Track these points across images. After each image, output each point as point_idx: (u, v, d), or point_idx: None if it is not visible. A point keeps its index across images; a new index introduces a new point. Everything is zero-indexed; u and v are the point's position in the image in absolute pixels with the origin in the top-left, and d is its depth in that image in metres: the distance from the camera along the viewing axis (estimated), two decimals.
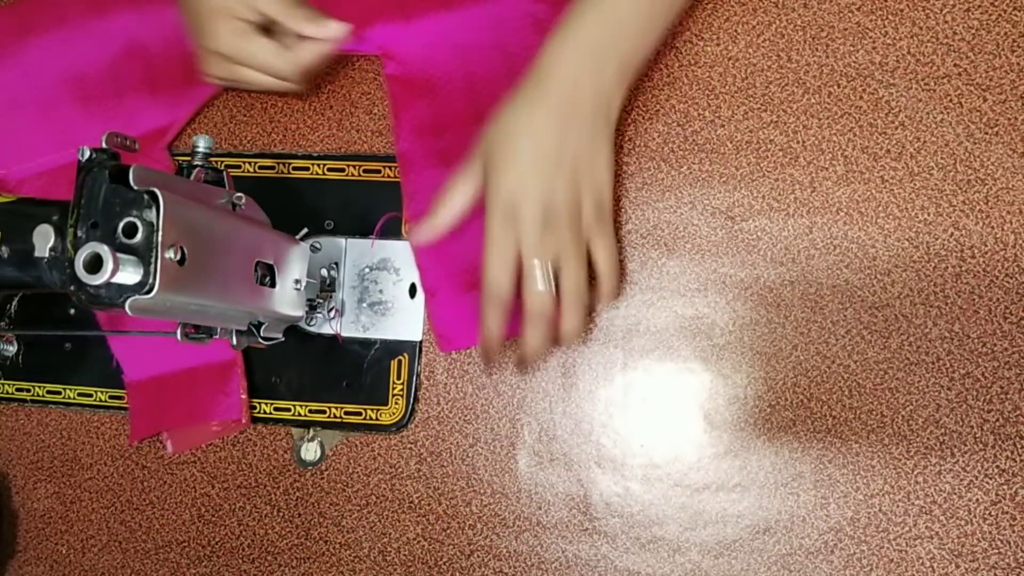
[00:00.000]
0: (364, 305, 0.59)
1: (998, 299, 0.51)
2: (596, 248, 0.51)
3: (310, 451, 0.59)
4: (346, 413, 0.59)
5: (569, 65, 0.48)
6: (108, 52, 0.63)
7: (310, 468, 0.59)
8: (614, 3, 0.48)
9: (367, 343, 0.59)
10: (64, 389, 0.63)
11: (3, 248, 0.43)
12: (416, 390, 0.58)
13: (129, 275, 0.37)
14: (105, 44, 0.63)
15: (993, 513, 0.50)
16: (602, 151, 0.50)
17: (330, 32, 0.54)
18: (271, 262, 0.49)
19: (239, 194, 0.47)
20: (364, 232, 0.59)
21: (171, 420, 0.60)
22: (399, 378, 0.58)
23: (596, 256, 0.51)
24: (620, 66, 0.49)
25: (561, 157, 0.48)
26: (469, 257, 0.55)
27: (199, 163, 0.47)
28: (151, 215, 0.39)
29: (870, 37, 0.54)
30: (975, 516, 0.51)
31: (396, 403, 0.58)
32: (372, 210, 0.59)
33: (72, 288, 0.39)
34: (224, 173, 0.48)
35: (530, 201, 0.47)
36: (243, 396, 0.59)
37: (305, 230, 0.56)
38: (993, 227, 0.52)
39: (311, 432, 0.59)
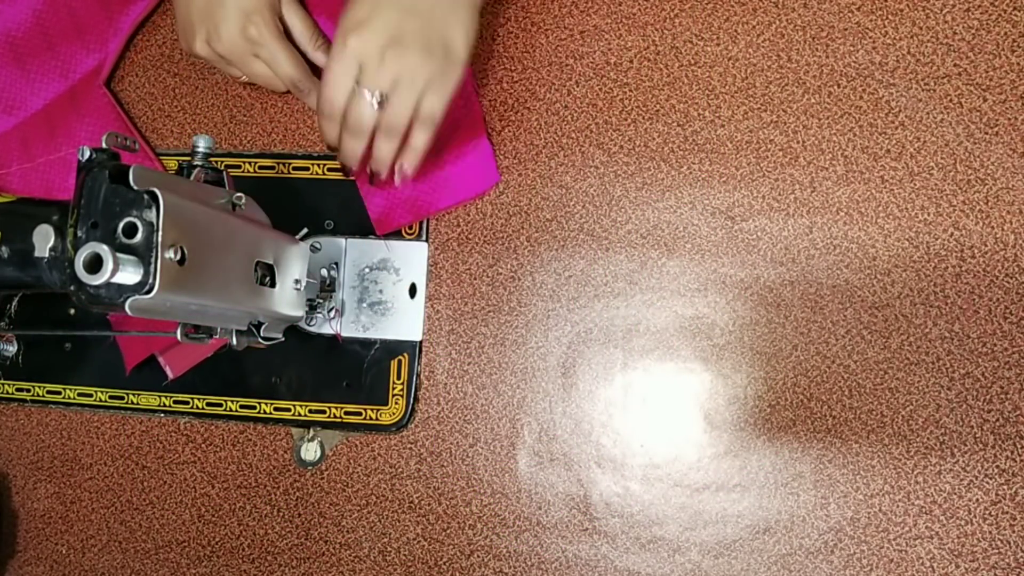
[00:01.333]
0: (364, 305, 0.59)
1: (998, 299, 0.51)
2: (427, 97, 0.50)
3: (310, 451, 0.59)
4: (346, 413, 0.59)
5: None
6: (31, 8, 0.63)
7: (310, 468, 0.59)
8: None
9: (367, 343, 0.59)
10: (64, 389, 0.63)
11: (3, 248, 0.43)
12: (416, 390, 0.58)
13: (129, 275, 0.37)
14: (26, 1, 0.63)
15: (993, 513, 0.50)
16: (463, 5, 0.50)
17: None
18: (271, 262, 0.49)
19: (239, 194, 0.47)
20: (364, 232, 0.59)
21: (162, 341, 0.60)
22: (399, 378, 0.58)
23: (423, 103, 0.50)
24: None
25: (416, 3, 0.49)
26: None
27: (199, 163, 0.47)
28: (151, 215, 0.38)
29: (870, 37, 0.54)
30: (975, 516, 0.51)
31: (396, 403, 0.58)
32: None
33: (72, 288, 0.39)
34: (224, 173, 0.48)
35: (381, 28, 0.49)
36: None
37: (305, 230, 0.56)
38: (993, 227, 0.52)
39: (311, 432, 0.59)
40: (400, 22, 0.49)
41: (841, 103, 0.54)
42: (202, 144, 0.47)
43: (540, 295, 0.57)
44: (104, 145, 0.41)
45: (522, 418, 0.56)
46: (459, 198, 0.58)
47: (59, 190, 0.63)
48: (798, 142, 0.54)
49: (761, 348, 0.54)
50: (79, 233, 0.39)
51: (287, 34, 0.57)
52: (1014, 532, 0.50)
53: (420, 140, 0.51)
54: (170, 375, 0.60)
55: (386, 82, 0.49)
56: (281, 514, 0.59)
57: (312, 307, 0.57)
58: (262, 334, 0.50)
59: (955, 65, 0.53)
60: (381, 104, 0.49)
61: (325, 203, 0.60)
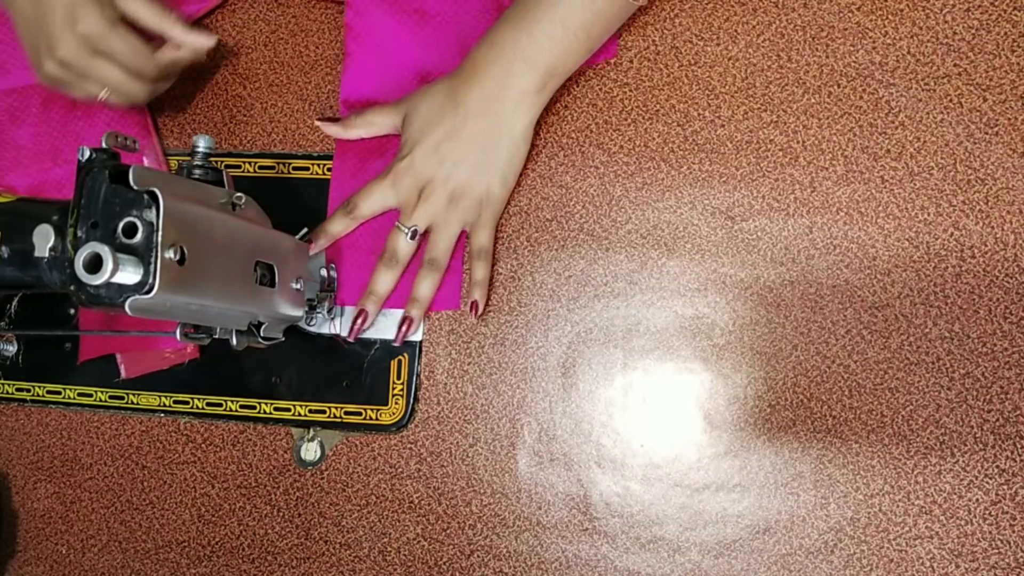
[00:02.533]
0: None
1: (998, 299, 0.51)
2: (474, 233, 0.56)
3: (310, 451, 0.59)
4: (346, 413, 0.59)
5: (493, 67, 0.52)
6: None
7: (310, 468, 0.59)
8: (547, 17, 0.51)
9: (367, 343, 0.59)
10: (64, 389, 0.63)
11: (3, 248, 0.43)
12: (416, 390, 0.58)
13: (129, 275, 0.37)
14: None
15: (993, 513, 0.50)
16: (499, 151, 0.54)
17: (199, 42, 0.57)
18: (271, 262, 0.49)
19: (239, 194, 0.47)
20: None
21: (120, 342, 0.61)
22: (399, 378, 0.58)
23: (472, 241, 0.56)
24: (542, 77, 0.52)
25: (456, 147, 0.54)
26: (374, 225, 0.58)
27: (199, 163, 0.47)
28: (151, 215, 0.38)
29: (870, 37, 0.54)
30: (975, 516, 0.51)
31: (396, 403, 0.58)
32: None
33: (72, 288, 0.39)
34: (224, 173, 0.48)
35: (417, 172, 0.54)
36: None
37: (305, 230, 0.56)
38: (993, 227, 0.52)
39: (311, 432, 0.59)
40: (435, 169, 0.54)
41: (841, 103, 0.54)
42: (202, 144, 0.47)
43: (540, 295, 0.57)
44: (104, 145, 0.41)
45: (522, 418, 0.56)
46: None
47: (65, 160, 0.63)
48: (798, 142, 0.54)
49: (761, 348, 0.54)
50: (79, 233, 0.39)
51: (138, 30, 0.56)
52: (1014, 532, 0.50)
53: (479, 272, 0.56)
54: (123, 374, 0.61)
55: (422, 222, 0.55)
56: (281, 514, 0.59)
57: (312, 307, 0.57)
58: (262, 334, 0.50)
59: (955, 65, 0.53)
60: (415, 238, 0.55)
61: (325, 203, 0.60)
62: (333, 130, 0.58)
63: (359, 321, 0.56)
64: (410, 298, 0.56)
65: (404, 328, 0.56)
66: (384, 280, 0.56)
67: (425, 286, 0.56)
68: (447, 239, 0.55)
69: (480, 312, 0.56)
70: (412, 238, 0.55)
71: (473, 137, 0.53)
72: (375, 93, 0.59)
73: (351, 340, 0.57)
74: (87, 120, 0.63)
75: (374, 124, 0.58)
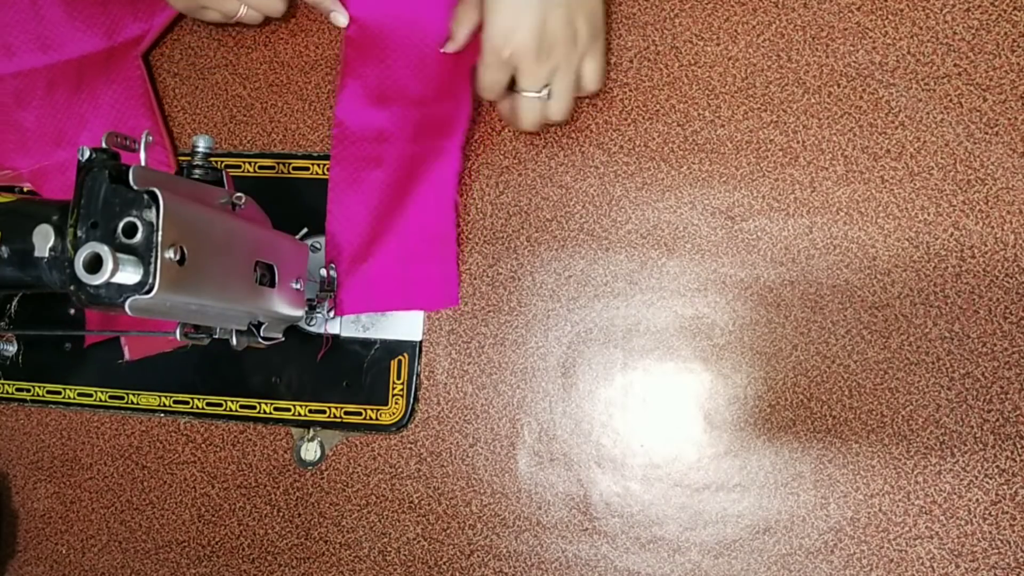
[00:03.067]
0: None
1: (998, 299, 0.51)
2: (585, 66, 0.54)
3: (310, 451, 0.59)
4: (346, 413, 0.59)
5: None
6: None
7: (310, 468, 0.59)
8: None
9: (367, 343, 0.59)
10: (64, 389, 0.63)
11: (3, 248, 0.43)
12: (416, 390, 0.58)
13: (129, 275, 0.37)
14: None
15: (993, 513, 0.50)
16: None
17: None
18: (271, 262, 0.49)
19: (239, 194, 0.47)
20: None
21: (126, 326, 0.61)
22: (399, 378, 0.58)
23: (584, 71, 0.54)
24: None
25: None
26: (369, 229, 0.58)
27: (199, 163, 0.47)
28: (151, 215, 0.38)
29: (870, 37, 0.54)
30: (975, 516, 0.51)
31: (396, 403, 0.58)
32: None
33: (72, 288, 0.39)
34: (224, 173, 0.48)
35: (524, 35, 0.51)
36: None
37: (305, 230, 0.56)
38: (993, 227, 0.52)
39: (311, 432, 0.59)
40: (544, 19, 0.51)
41: (841, 103, 0.54)
42: (202, 144, 0.47)
43: (540, 295, 0.57)
44: (104, 145, 0.41)
45: (522, 418, 0.56)
46: (413, 306, 0.58)
47: (69, 143, 0.63)
48: (798, 142, 0.54)
49: (761, 348, 0.54)
50: (79, 233, 0.39)
51: None
52: (1014, 532, 0.50)
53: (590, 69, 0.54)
54: (127, 356, 0.61)
55: (545, 77, 0.52)
56: (281, 514, 0.59)
57: (312, 307, 0.57)
58: (262, 334, 0.50)
59: (955, 65, 0.53)
60: (546, 94, 0.53)
61: (325, 203, 0.60)
62: (450, 48, 0.57)
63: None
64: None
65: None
66: (532, 118, 0.54)
67: (559, 113, 0.54)
68: (570, 85, 0.53)
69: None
70: (548, 97, 0.53)
71: None
72: (371, 111, 0.59)
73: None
74: (91, 103, 0.63)
75: (468, 16, 0.55)
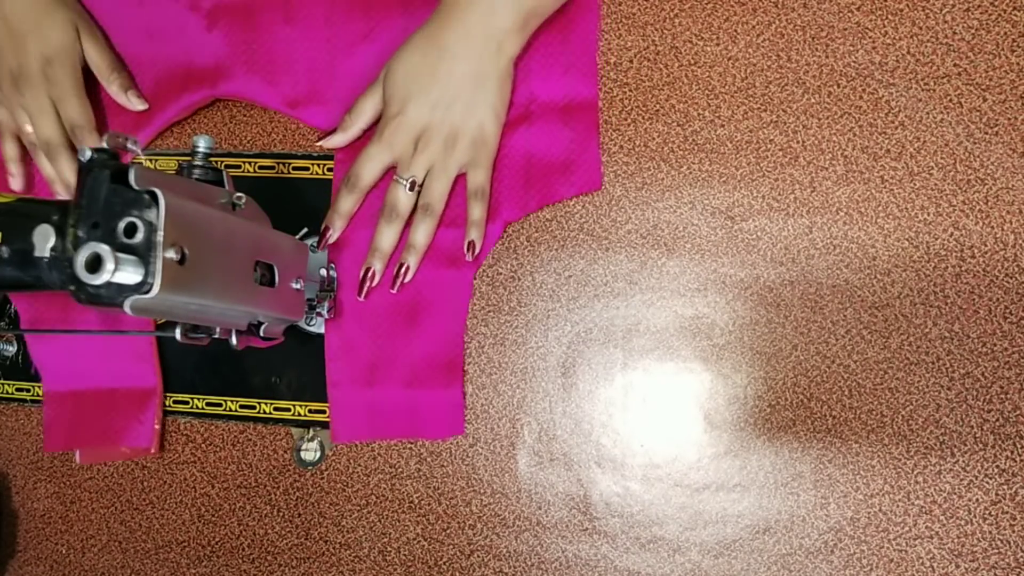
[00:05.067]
0: None
1: (998, 299, 0.51)
2: (471, 173, 0.56)
3: (310, 451, 0.59)
4: None
5: (476, 7, 0.52)
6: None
7: (310, 468, 0.59)
8: None
9: None
10: None
11: (3, 248, 0.43)
12: None
13: (129, 275, 0.37)
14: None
15: (993, 513, 0.50)
16: (487, 88, 0.54)
17: (133, 105, 0.61)
18: (271, 262, 0.49)
19: (239, 194, 0.47)
20: None
21: (85, 438, 0.61)
22: None
23: (470, 181, 0.56)
24: (524, 16, 0.53)
25: (445, 91, 0.53)
26: (373, 355, 0.57)
27: (199, 163, 0.47)
28: (151, 215, 0.38)
29: (870, 37, 0.54)
30: (975, 516, 0.51)
31: None
32: None
33: (72, 288, 0.39)
34: (224, 173, 0.48)
35: (410, 124, 0.54)
36: (156, 427, 0.60)
37: (305, 230, 0.56)
38: (993, 227, 0.52)
39: (311, 432, 0.59)
40: (428, 116, 0.54)
41: (841, 103, 0.54)
42: (202, 144, 0.47)
43: (540, 295, 0.57)
44: (104, 145, 0.41)
45: (522, 418, 0.56)
46: (419, 435, 0.57)
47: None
48: (798, 142, 0.54)
49: (761, 348, 0.54)
50: (79, 233, 0.39)
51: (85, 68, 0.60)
52: (1014, 532, 0.50)
53: (476, 212, 0.56)
54: (78, 459, 0.62)
55: (420, 171, 0.55)
56: (281, 514, 0.59)
57: (312, 307, 0.57)
58: (262, 334, 0.50)
59: (955, 65, 0.53)
60: (415, 188, 0.55)
61: (325, 203, 0.60)
62: (336, 140, 0.58)
63: (368, 279, 0.56)
64: (406, 244, 0.56)
65: (402, 274, 0.56)
66: (387, 235, 0.56)
67: (421, 232, 0.56)
68: (443, 183, 0.55)
69: (476, 252, 0.56)
70: (411, 189, 0.55)
71: (462, 78, 0.53)
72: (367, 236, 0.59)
73: (361, 299, 0.57)
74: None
75: (365, 110, 0.57)
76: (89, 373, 0.61)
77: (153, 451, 0.60)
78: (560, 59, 0.57)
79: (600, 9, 0.57)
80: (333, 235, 0.57)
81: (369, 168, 0.56)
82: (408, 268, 0.56)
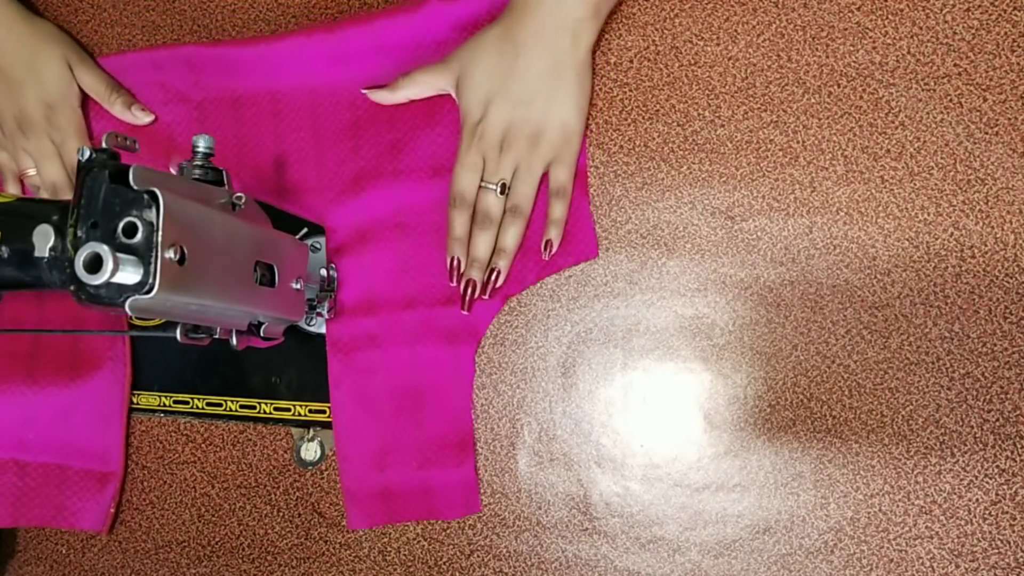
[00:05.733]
0: None
1: (998, 299, 0.51)
2: (554, 171, 0.55)
3: (310, 451, 0.59)
4: None
5: (533, 5, 0.51)
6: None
7: (310, 468, 0.59)
8: None
9: None
10: None
11: (3, 248, 0.43)
12: None
13: (129, 275, 0.37)
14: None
15: (993, 513, 0.50)
16: (567, 81, 0.53)
17: (140, 120, 0.61)
18: (271, 262, 0.49)
19: (239, 194, 0.47)
20: None
21: (31, 515, 0.60)
22: None
23: (552, 179, 0.55)
24: (587, 2, 0.51)
25: (523, 88, 0.52)
26: (382, 439, 0.57)
27: (199, 163, 0.47)
28: (151, 215, 0.38)
29: (870, 37, 0.54)
30: (975, 516, 0.51)
31: None
32: None
33: (72, 288, 0.39)
34: (224, 173, 0.48)
35: (493, 126, 0.53)
36: (112, 510, 0.60)
37: (305, 230, 0.56)
38: (993, 227, 0.52)
39: (311, 432, 0.59)
40: (511, 115, 0.53)
41: (841, 103, 0.54)
42: (202, 144, 0.47)
43: (540, 295, 0.57)
44: (104, 145, 0.41)
45: (522, 418, 0.56)
46: (435, 516, 0.56)
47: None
48: (798, 142, 0.54)
49: (761, 348, 0.54)
50: (79, 233, 0.39)
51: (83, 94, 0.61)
52: (1014, 532, 0.50)
53: (557, 211, 0.55)
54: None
55: (507, 172, 0.54)
56: (281, 514, 0.59)
57: (312, 307, 0.57)
58: (262, 334, 0.50)
59: (955, 65, 0.53)
60: (504, 192, 0.54)
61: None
62: (380, 96, 0.57)
63: (469, 291, 0.55)
64: (496, 248, 0.55)
65: (493, 279, 0.55)
66: (483, 243, 0.55)
67: (511, 234, 0.55)
68: (530, 184, 0.54)
69: (552, 252, 0.55)
70: (502, 193, 0.54)
71: (539, 74, 0.52)
72: (360, 326, 0.58)
73: (466, 312, 0.56)
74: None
75: (421, 83, 0.56)
76: (42, 441, 0.60)
77: (103, 531, 0.60)
78: None
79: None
80: (462, 263, 0.56)
81: (467, 180, 0.55)
82: (499, 273, 0.55)
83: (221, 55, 0.59)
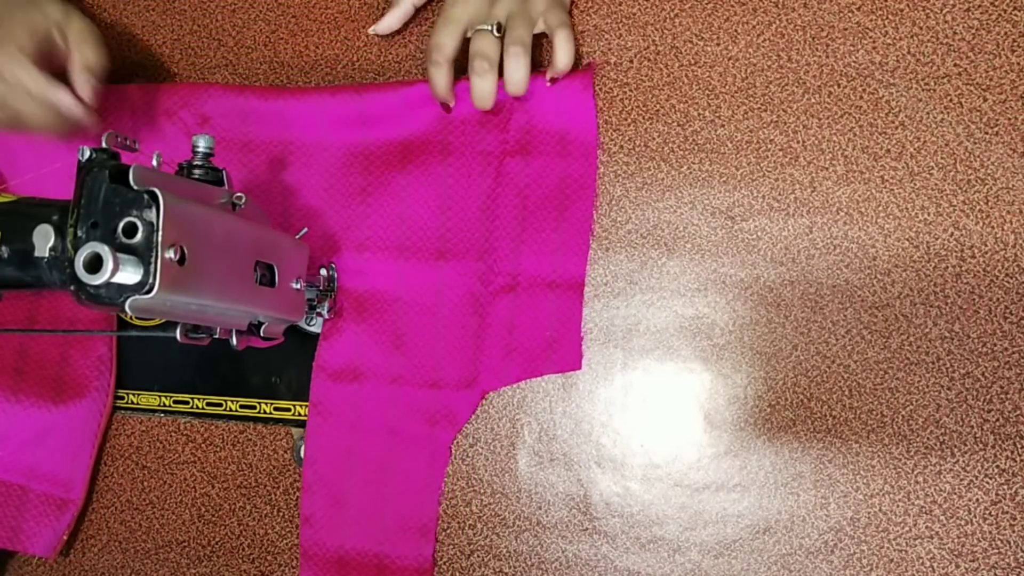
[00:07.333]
0: None
1: (998, 299, 0.51)
2: (547, 17, 0.53)
3: None
4: None
5: None
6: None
7: None
8: None
9: None
10: None
11: (3, 248, 0.43)
12: None
13: (129, 275, 0.37)
14: None
15: (993, 513, 0.50)
16: None
17: (85, 93, 0.53)
18: (271, 262, 0.49)
19: (239, 194, 0.47)
20: None
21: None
22: None
23: (547, 23, 0.53)
24: None
25: None
26: (348, 505, 0.56)
27: (199, 163, 0.47)
28: (151, 215, 0.38)
29: (870, 37, 0.54)
30: (975, 516, 0.51)
31: None
32: None
33: (72, 288, 0.39)
34: (224, 173, 0.48)
35: None
36: (65, 537, 0.60)
37: (305, 230, 0.56)
38: (993, 227, 0.52)
39: None
40: None
41: (841, 103, 0.54)
42: (202, 144, 0.47)
43: None
44: (104, 145, 0.41)
45: (522, 418, 0.56)
46: None
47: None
48: (798, 142, 0.54)
49: (761, 348, 0.54)
50: (79, 233, 0.39)
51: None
52: (1014, 532, 0.50)
53: (561, 42, 0.52)
54: None
55: (502, 15, 0.52)
56: (281, 514, 0.59)
57: (312, 307, 0.57)
58: (262, 334, 0.50)
59: (955, 65, 0.53)
60: (500, 33, 0.52)
61: None
62: (386, 23, 0.57)
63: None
64: (504, 85, 0.53)
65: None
66: (486, 86, 0.52)
67: (516, 67, 0.51)
68: (525, 26, 0.52)
69: (559, 78, 0.54)
70: (497, 31, 0.52)
71: None
72: (343, 392, 0.58)
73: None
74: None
75: None
76: (11, 461, 0.59)
77: (52, 558, 0.59)
78: (552, 238, 0.55)
79: (595, 191, 0.56)
80: (452, 105, 0.56)
81: (447, 32, 0.52)
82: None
83: (241, 103, 0.59)
